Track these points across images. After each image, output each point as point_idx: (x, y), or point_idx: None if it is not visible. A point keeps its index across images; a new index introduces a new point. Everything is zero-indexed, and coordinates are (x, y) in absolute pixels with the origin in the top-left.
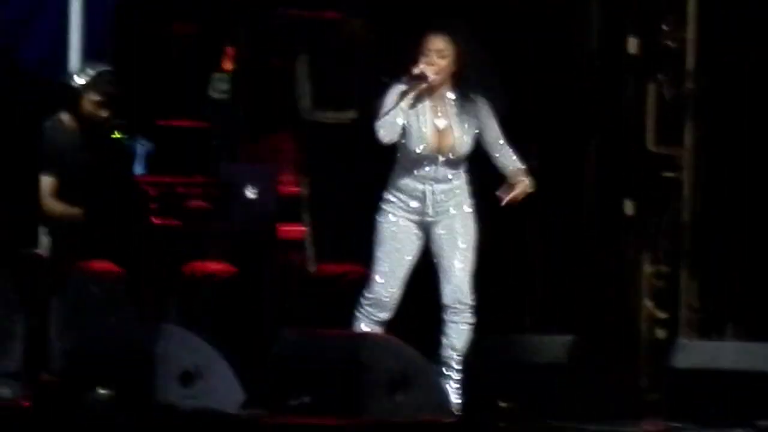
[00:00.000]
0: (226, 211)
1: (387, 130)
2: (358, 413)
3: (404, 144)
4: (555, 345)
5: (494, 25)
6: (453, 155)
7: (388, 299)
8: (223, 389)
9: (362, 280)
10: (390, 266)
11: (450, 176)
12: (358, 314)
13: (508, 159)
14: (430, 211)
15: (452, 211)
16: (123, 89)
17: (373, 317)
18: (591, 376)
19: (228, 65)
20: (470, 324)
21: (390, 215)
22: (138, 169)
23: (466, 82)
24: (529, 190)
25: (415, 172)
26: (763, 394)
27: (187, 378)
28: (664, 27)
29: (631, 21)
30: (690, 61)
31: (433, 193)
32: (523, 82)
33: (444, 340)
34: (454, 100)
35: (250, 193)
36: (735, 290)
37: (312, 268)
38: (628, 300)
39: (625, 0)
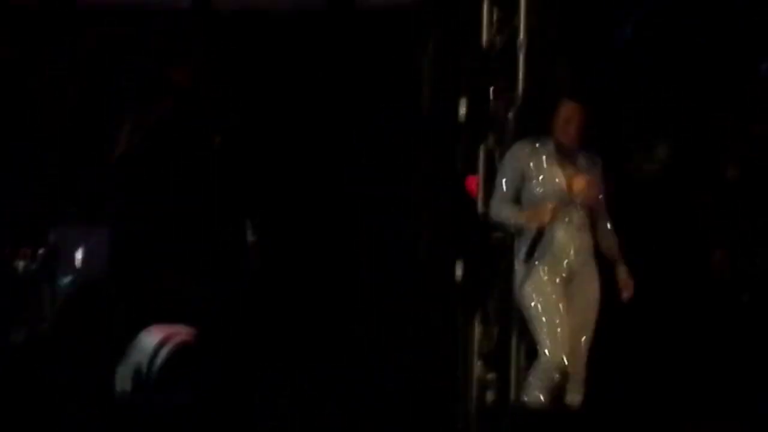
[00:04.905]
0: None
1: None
2: None
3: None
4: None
5: (326, 86)
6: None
7: None
8: None
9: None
10: None
11: None
12: None
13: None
14: None
15: None
16: None
17: None
18: None
19: None
20: None
21: None
22: None
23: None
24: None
25: None
26: None
27: None
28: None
29: (462, 84)
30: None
31: None
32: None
33: None
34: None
35: (80, 256)
36: None
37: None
38: (459, 361)
39: (457, 64)
